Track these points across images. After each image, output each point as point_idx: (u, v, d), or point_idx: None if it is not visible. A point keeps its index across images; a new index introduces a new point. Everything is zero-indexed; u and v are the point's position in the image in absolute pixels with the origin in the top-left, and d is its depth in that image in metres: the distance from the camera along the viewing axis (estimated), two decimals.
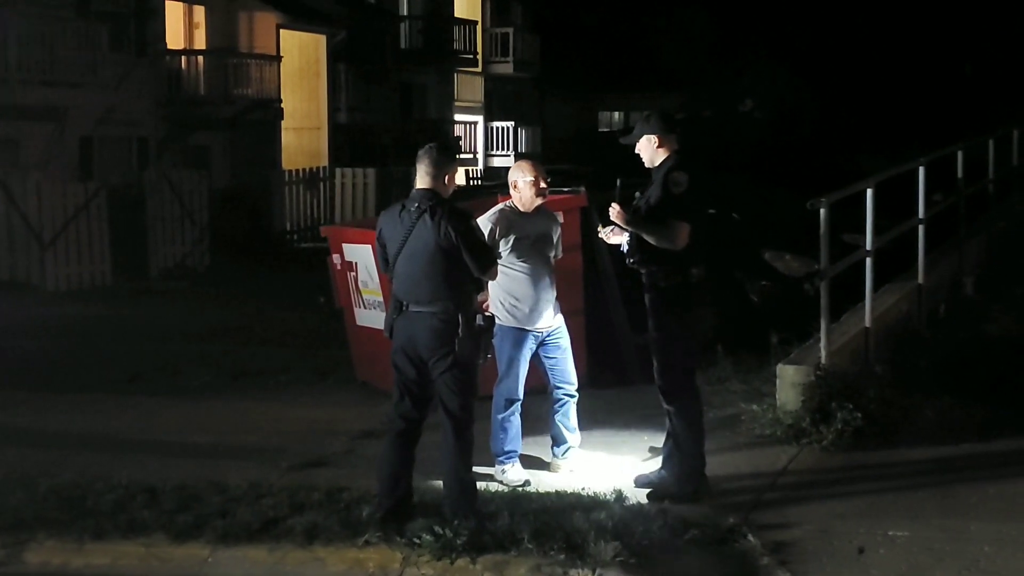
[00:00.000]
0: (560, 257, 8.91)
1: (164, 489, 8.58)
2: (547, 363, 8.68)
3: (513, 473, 8.59)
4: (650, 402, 10.05)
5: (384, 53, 36.68)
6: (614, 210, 8.02)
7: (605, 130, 46.68)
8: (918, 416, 9.43)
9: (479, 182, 40.06)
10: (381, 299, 11.24)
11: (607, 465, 8.86)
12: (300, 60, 33.34)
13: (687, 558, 7.28)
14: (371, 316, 11.64)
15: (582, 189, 11.37)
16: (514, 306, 8.49)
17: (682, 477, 8.08)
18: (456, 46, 40.20)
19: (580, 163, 34.96)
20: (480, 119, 42.12)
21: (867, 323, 10.39)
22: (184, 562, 7.77)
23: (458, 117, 40.68)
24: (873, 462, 8.73)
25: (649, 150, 8.12)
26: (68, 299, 20.74)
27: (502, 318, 8.37)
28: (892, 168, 12.68)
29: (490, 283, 8.09)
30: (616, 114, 49.41)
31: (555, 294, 8.71)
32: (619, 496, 8.03)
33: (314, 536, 7.69)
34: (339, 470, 9.09)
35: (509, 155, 42.51)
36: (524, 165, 8.71)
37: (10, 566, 7.95)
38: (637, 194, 8.17)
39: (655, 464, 8.55)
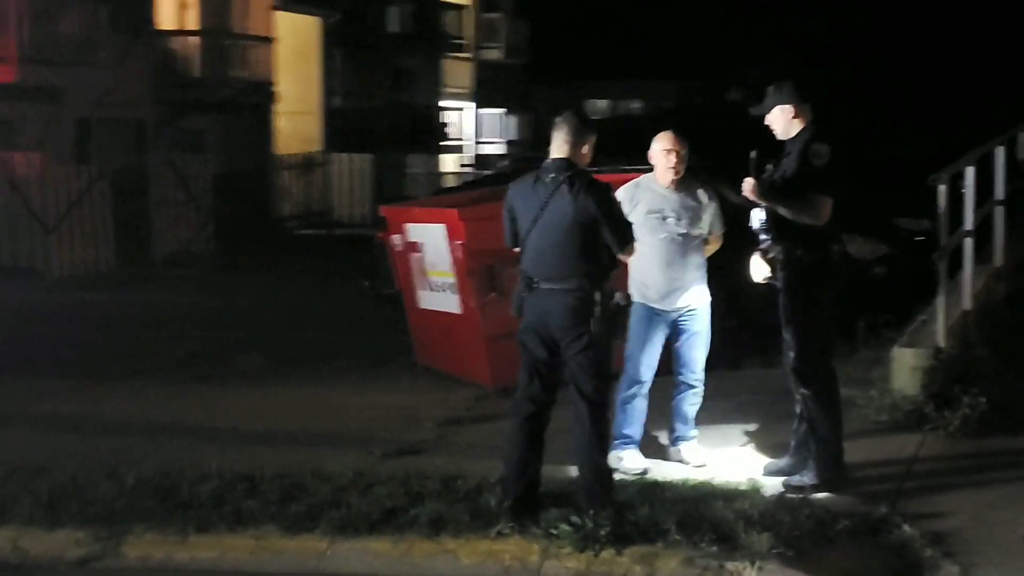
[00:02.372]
0: (714, 234, 8.32)
1: (264, 478, 8.16)
2: (674, 347, 8.25)
3: (630, 460, 8.18)
4: (739, 388, 9.82)
5: (377, 37, 36.16)
6: (748, 184, 7.61)
7: (595, 118, 46.29)
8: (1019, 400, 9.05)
9: (470, 169, 39.66)
10: (453, 280, 10.84)
11: (725, 455, 8.45)
12: (294, 43, 32.75)
13: (845, 550, 6.89)
14: (438, 299, 11.26)
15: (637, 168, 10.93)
16: (644, 283, 8.05)
17: (820, 465, 7.69)
18: (446, 31, 39.70)
19: None
20: (470, 106, 41.61)
21: (967, 305, 10.03)
22: (299, 555, 7.37)
23: (448, 104, 40.17)
24: (1006, 448, 8.39)
25: (783, 120, 7.72)
26: (75, 285, 20.22)
27: (633, 294, 7.92)
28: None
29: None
30: (604, 102, 49.06)
31: (698, 274, 8.21)
32: (754, 486, 7.64)
33: (441, 527, 7.27)
34: (437, 458, 8.66)
35: (499, 142, 42.10)
36: (662, 135, 8.23)
37: (107, 560, 7.54)
38: (770, 167, 7.77)
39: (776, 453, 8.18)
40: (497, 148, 41.81)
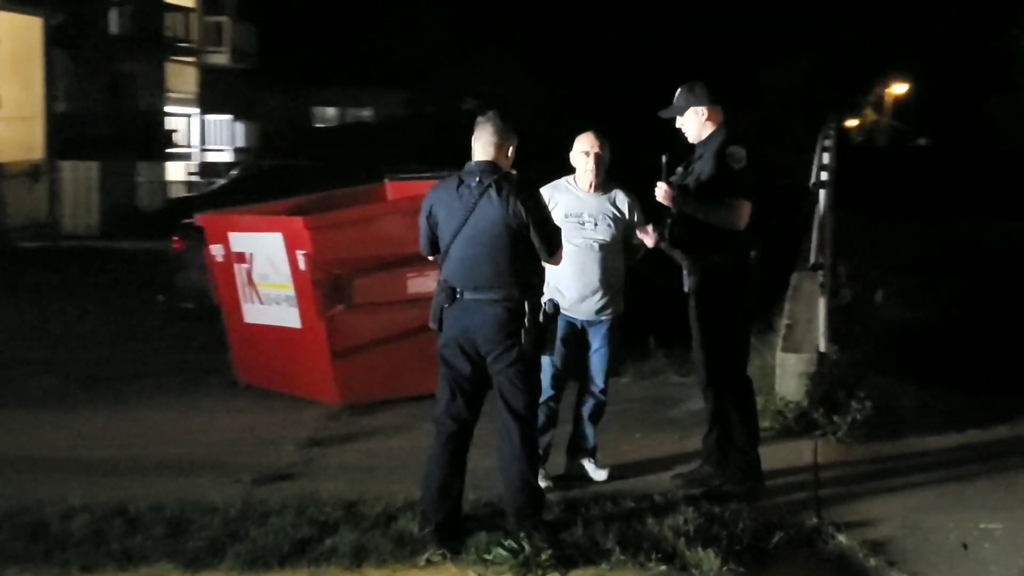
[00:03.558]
0: (636, 242, 7.90)
1: (140, 511, 7.46)
2: (582, 356, 7.90)
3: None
4: (616, 397, 9.56)
5: (99, 39, 34.58)
6: (661, 190, 7.37)
7: (320, 125, 45.57)
8: (900, 403, 9.15)
9: (195, 178, 38.44)
10: (292, 293, 10.26)
11: (625, 467, 8.17)
12: (14, 45, 30.96)
13: (790, 563, 6.72)
14: (271, 312, 10.67)
15: (513, 172, 10.60)
16: (556, 289, 7.63)
17: (738, 474, 7.53)
18: (170, 34, 38.33)
19: (296, 158, 33.76)
20: (195, 111, 40.32)
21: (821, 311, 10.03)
22: None
23: (172, 109, 38.79)
24: (900, 452, 8.40)
25: (696, 123, 7.52)
26: None
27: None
28: None
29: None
30: (332, 109, 48.36)
31: (613, 282, 7.84)
32: (674, 498, 7.39)
33: (363, 557, 6.72)
34: (316, 483, 8.11)
35: (225, 149, 40.93)
36: (582, 136, 7.87)
37: None
38: (679, 170, 7.56)
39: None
40: (223, 156, 40.58)
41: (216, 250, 11.15)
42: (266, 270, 10.54)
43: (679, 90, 7.61)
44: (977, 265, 15.55)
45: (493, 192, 6.76)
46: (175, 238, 14.39)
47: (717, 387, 7.53)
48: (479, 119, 6.97)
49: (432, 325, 6.99)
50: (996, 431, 8.80)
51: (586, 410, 7.99)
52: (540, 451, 7.75)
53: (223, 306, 11.27)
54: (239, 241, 10.84)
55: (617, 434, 8.60)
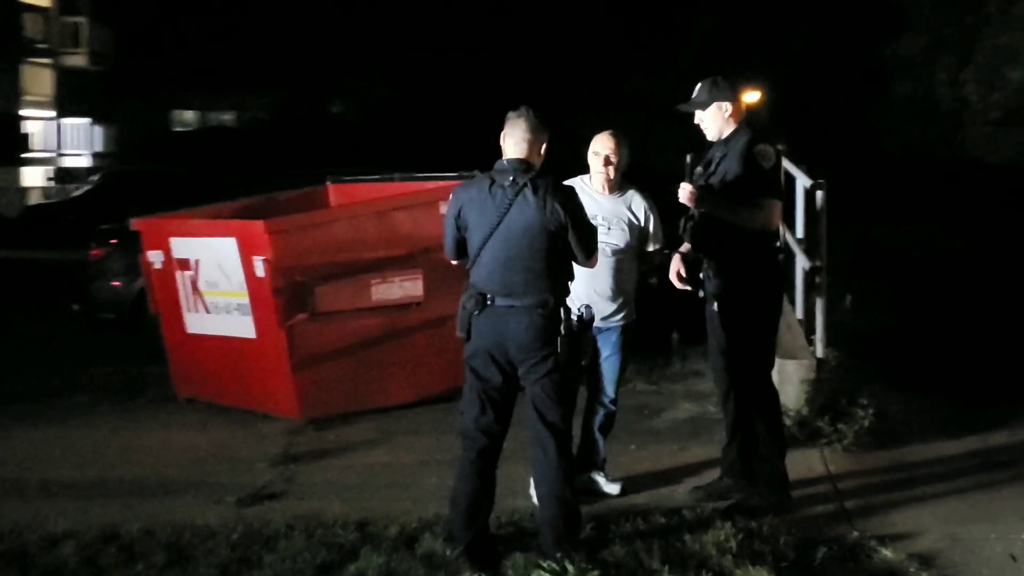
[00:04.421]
0: (654, 249, 7.56)
1: (133, 536, 6.95)
2: (591, 365, 7.50)
3: None
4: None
5: None
6: (685, 190, 7.04)
7: (180, 129, 44.40)
8: (891, 409, 8.98)
9: (53, 184, 37.13)
10: (246, 301, 9.70)
11: (635, 480, 7.83)
12: None
13: None
14: (219, 322, 10.09)
15: (477, 174, 10.19)
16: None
17: (767, 487, 7.22)
18: (25, 34, 36.95)
19: (156, 163, 32.80)
20: (52, 115, 38.94)
21: (799, 315, 9.84)
22: None
23: (27, 112, 37.40)
24: (912, 460, 8.19)
25: (719, 120, 7.19)
26: None
27: None
28: None
29: None
30: (193, 113, 47.13)
31: (625, 288, 7.48)
32: (709, 513, 7.08)
33: None
34: (308, 502, 7.70)
35: (83, 154, 39.62)
36: (597, 137, 7.48)
37: None
38: (699, 170, 7.24)
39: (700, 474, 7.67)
40: (81, 161, 39.27)
41: (154, 256, 10.51)
42: (215, 277, 9.96)
43: (700, 84, 7.27)
44: (900, 269, 15.56)
45: (529, 192, 6.36)
46: (93, 245, 13.62)
47: (741, 395, 7.22)
48: (510, 114, 6.56)
49: (460, 334, 6.55)
50: (995, 438, 8.66)
51: (596, 421, 7.63)
52: None
53: (161, 316, 10.64)
54: (182, 247, 10.23)
55: (609, 446, 8.23)
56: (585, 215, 6.53)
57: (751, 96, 48.28)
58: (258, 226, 9.49)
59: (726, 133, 7.19)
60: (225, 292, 9.92)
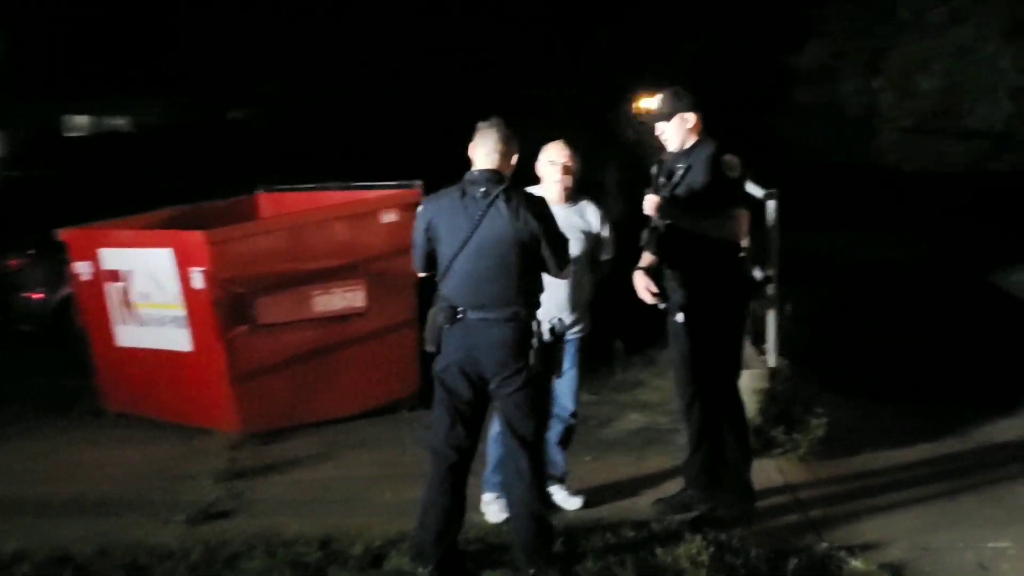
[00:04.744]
0: (606, 259, 7.46)
1: (87, 558, 6.74)
2: None
3: (498, 509, 7.25)
4: None
5: None
6: (651, 201, 6.96)
7: (72, 135, 43.41)
8: (840, 417, 8.96)
9: None
10: (182, 313, 9.46)
11: (592, 493, 7.72)
12: None
13: None
14: (153, 335, 9.82)
15: (418, 183, 10.07)
16: None
17: (733, 498, 7.17)
18: None
19: (48, 169, 32.00)
20: None
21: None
22: None
23: None
24: (869, 468, 8.16)
25: (682, 131, 7.11)
26: None
27: None
28: None
29: None
30: (86, 118, 46.10)
31: (579, 299, 7.32)
32: (677, 526, 7.01)
33: None
34: (256, 519, 7.53)
35: None
36: (549, 146, 7.31)
37: None
38: (661, 180, 7.16)
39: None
40: None
41: (82, 268, 10.22)
42: (148, 289, 9.69)
43: (661, 95, 7.20)
44: (831, 276, 15.61)
45: (502, 203, 6.24)
46: (10, 256, 13.21)
47: (707, 405, 7.15)
48: (481, 125, 6.43)
49: (430, 348, 6.43)
50: (946, 444, 8.66)
51: (555, 435, 7.48)
52: (492, 478, 7.32)
53: (89, 328, 10.34)
54: (113, 258, 9.95)
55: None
56: (557, 226, 6.42)
57: (647, 103, 48.58)
58: (197, 236, 9.25)
59: (688, 144, 7.12)
60: (159, 304, 9.66)
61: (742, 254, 7.16)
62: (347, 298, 9.72)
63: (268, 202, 11.52)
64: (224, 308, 9.23)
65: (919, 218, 18.98)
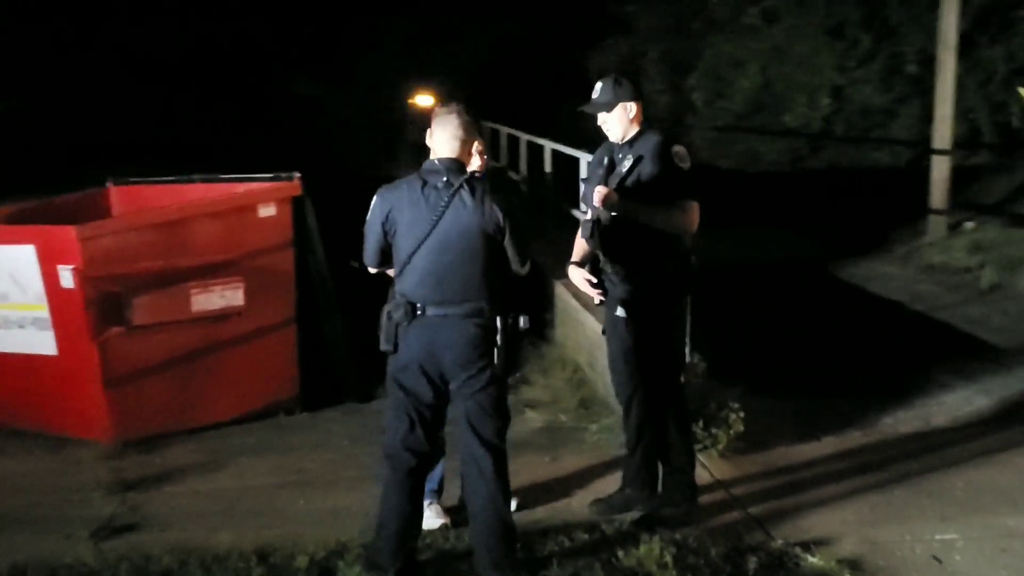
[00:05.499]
0: None
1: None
2: None
3: (434, 513, 6.92)
4: None
5: None
6: (601, 193, 6.70)
7: None
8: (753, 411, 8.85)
9: None
10: (45, 315, 8.84)
11: (520, 493, 7.39)
12: None
13: None
14: (11, 338, 9.14)
15: (296, 175, 9.60)
16: None
17: (678, 496, 6.97)
18: None
19: None
20: None
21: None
22: None
23: None
24: (791, 463, 8.02)
25: (624, 121, 6.86)
26: None
27: None
28: None
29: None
30: None
31: None
32: (629, 527, 6.78)
33: None
34: (166, 532, 7.08)
35: None
36: None
37: None
38: (600, 172, 6.91)
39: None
40: None
41: None
42: (5, 288, 9.01)
43: (601, 84, 6.93)
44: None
45: (466, 193, 5.91)
46: None
47: (647, 402, 6.92)
48: (439, 110, 6.07)
49: (385, 347, 6.03)
50: (856, 437, 8.59)
51: None
52: (438, 484, 6.99)
53: None
54: None
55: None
56: (523, 218, 6.11)
57: (423, 100, 48.36)
58: (66, 231, 8.63)
59: (630, 135, 6.88)
60: (18, 305, 9.00)
61: (688, 245, 6.94)
62: (226, 296, 9.22)
63: (123, 196, 10.87)
64: (96, 308, 8.66)
65: (749, 213, 19.16)
